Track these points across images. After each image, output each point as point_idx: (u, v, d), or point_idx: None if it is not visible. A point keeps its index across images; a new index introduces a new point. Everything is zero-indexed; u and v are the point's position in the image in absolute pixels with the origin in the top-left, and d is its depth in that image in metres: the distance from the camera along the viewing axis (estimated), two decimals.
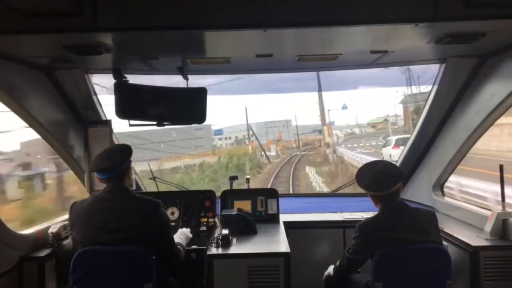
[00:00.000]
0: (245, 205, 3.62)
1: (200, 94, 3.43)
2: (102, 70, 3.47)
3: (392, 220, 2.53)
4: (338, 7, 2.28)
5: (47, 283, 2.80)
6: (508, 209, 2.90)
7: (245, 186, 4.13)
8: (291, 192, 15.21)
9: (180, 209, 3.59)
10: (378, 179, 2.58)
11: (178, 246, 2.75)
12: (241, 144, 47.27)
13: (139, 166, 5.02)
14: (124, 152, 2.63)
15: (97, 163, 2.56)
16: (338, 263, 2.78)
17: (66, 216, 3.28)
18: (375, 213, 2.69)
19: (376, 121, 59.02)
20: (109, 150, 2.67)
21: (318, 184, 19.37)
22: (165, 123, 3.53)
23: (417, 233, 2.47)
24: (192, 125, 3.76)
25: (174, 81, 3.57)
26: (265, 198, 3.66)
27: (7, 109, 2.93)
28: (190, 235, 3.10)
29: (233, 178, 4.04)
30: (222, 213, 3.33)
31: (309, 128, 52.52)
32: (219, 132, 51.11)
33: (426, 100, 3.73)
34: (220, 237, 2.84)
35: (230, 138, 55.64)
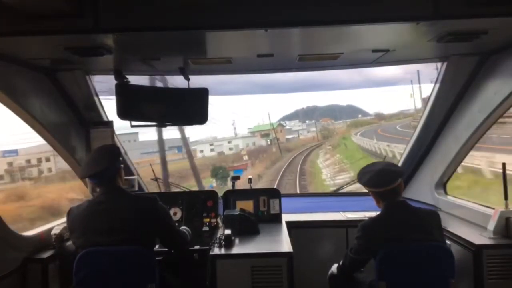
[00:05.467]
0: (248, 205, 3.62)
1: (201, 95, 3.43)
2: (103, 71, 3.48)
3: (395, 220, 2.53)
4: (339, 6, 2.27)
5: (51, 285, 2.80)
6: (511, 208, 2.89)
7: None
8: None
9: (182, 210, 3.59)
10: (378, 176, 2.60)
11: (183, 229, 2.91)
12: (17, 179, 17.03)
13: (141, 167, 5.01)
14: (112, 154, 2.61)
15: (86, 168, 2.55)
16: (341, 263, 2.79)
17: None
18: (378, 212, 2.69)
19: (263, 128, 40.52)
20: (97, 154, 2.64)
21: None
22: (166, 123, 3.53)
23: (420, 233, 2.47)
24: None
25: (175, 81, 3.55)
26: (267, 198, 3.66)
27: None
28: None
29: (235, 178, 4.04)
30: (225, 213, 3.33)
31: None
32: (11, 152, 27.42)
33: (428, 99, 3.72)
34: (223, 237, 2.83)
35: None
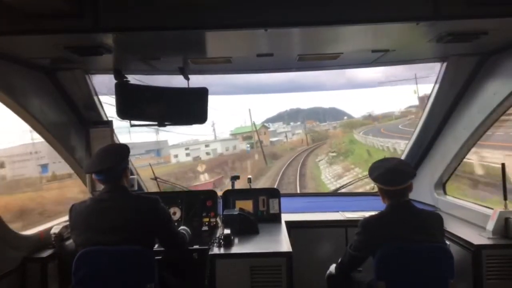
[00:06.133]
0: (247, 205, 3.62)
1: (201, 94, 3.43)
2: (103, 71, 3.48)
3: (397, 219, 2.52)
4: (339, 6, 2.28)
5: (50, 284, 2.80)
6: (510, 208, 2.89)
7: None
8: None
9: (182, 209, 3.59)
10: (390, 174, 2.56)
11: (182, 231, 2.91)
12: None
13: (140, 167, 5.02)
14: (120, 153, 2.61)
15: (92, 164, 2.54)
16: (339, 260, 2.78)
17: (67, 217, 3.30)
18: (377, 212, 2.69)
19: (245, 130, 37.47)
20: (105, 151, 2.62)
21: None
22: (166, 123, 3.53)
23: (421, 234, 2.45)
24: None
25: (175, 81, 3.57)
26: (267, 198, 3.66)
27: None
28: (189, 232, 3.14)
29: (234, 178, 4.05)
30: (224, 213, 3.34)
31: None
32: None
33: (428, 99, 3.73)
34: (222, 237, 2.84)
35: None
